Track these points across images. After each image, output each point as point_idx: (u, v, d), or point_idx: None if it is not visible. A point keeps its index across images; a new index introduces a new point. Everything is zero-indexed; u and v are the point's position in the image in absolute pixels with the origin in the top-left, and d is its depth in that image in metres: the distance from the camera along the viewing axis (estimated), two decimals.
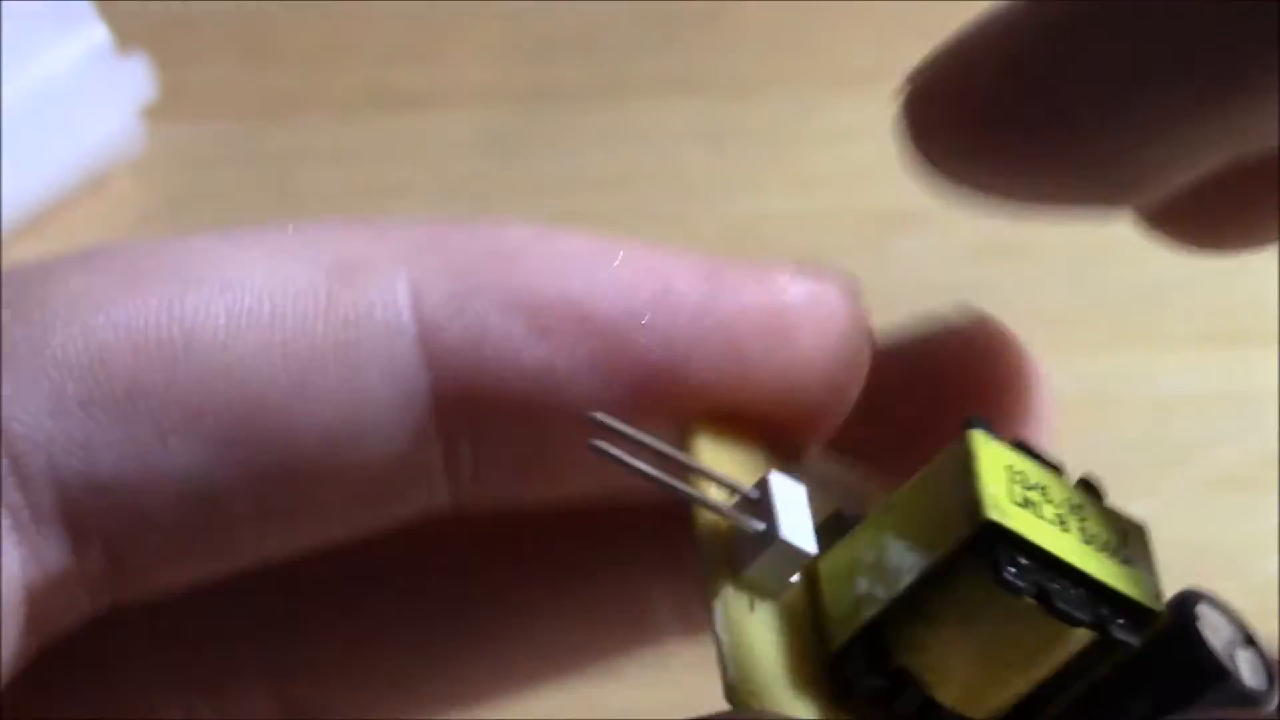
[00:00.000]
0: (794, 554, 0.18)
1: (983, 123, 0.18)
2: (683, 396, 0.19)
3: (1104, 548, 0.17)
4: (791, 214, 0.43)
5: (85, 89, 0.42)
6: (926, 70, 0.19)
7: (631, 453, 0.18)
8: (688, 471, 0.18)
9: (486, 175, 0.43)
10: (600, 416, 0.18)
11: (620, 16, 0.46)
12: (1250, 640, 0.18)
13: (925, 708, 0.18)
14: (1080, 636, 0.17)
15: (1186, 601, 0.17)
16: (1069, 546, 0.17)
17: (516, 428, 0.18)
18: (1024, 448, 0.18)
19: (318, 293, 0.18)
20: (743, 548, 0.18)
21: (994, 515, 0.17)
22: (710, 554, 0.18)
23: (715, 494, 0.18)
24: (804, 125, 0.44)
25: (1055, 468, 0.18)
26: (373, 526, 0.19)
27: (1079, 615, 0.17)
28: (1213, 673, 0.17)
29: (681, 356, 0.18)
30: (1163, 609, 0.17)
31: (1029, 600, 0.17)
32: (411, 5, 0.46)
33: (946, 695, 0.18)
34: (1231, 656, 0.17)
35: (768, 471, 0.18)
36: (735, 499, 0.18)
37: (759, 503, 0.18)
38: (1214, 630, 0.17)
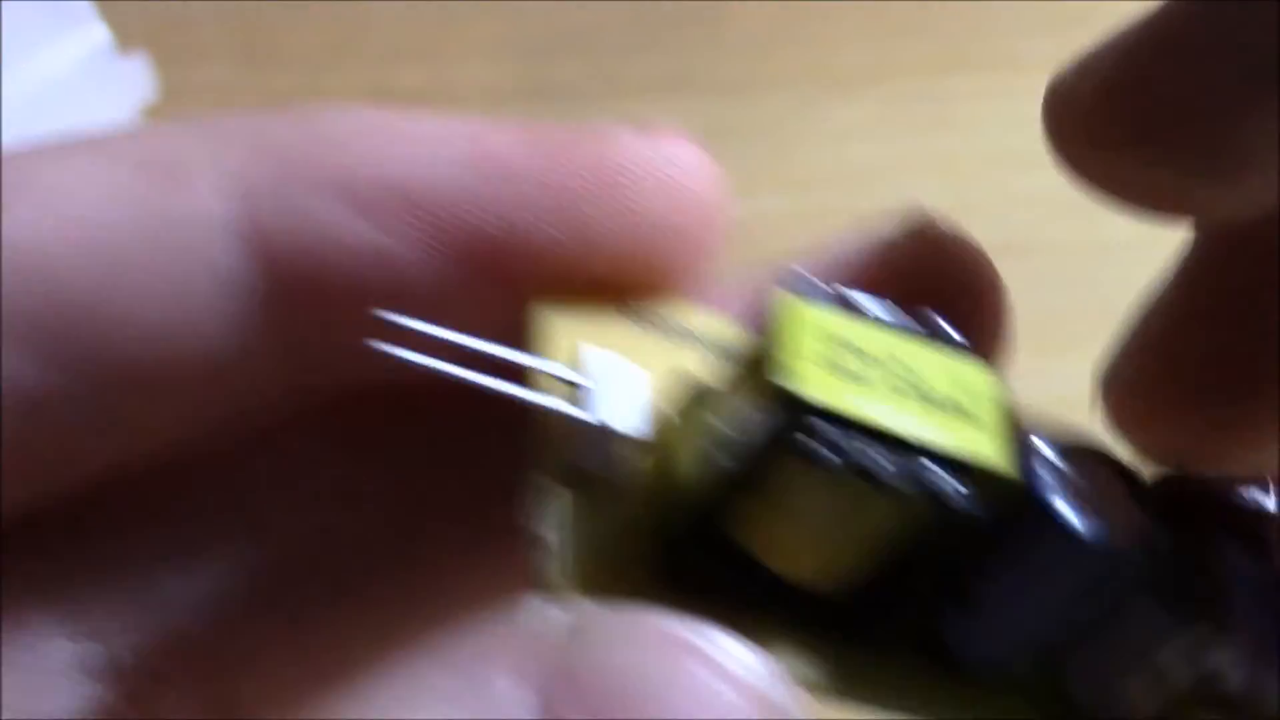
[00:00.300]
0: (608, 434, 0.17)
1: (1123, 138, 0.18)
2: (521, 268, 0.18)
3: (937, 405, 0.16)
4: (789, 213, 0.43)
5: (85, 89, 0.42)
6: (1069, 78, 0.18)
7: (429, 347, 0.17)
8: (497, 359, 0.18)
9: None
10: (388, 315, 0.17)
11: (620, 16, 0.46)
12: (1131, 480, 0.17)
13: (769, 585, 0.17)
14: (917, 506, 0.16)
15: (1026, 451, 0.16)
16: (884, 408, 0.16)
17: (351, 314, 0.18)
18: (851, 306, 0.17)
19: (136, 196, 0.17)
20: (566, 434, 0.17)
21: (793, 385, 0.16)
22: (537, 443, 0.17)
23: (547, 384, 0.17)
24: (802, 125, 0.44)
25: (929, 329, 0.17)
26: (223, 429, 0.19)
27: (897, 483, 0.16)
28: (1065, 538, 0.16)
29: (514, 226, 0.18)
30: (1010, 473, 0.16)
31: (844, 470, 0.16)
32: (412, 5, 0.46)
33: (790, 571, 0.17)
34: (1097, 511, 0.16)
35: (583, 349, 0.18)
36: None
37: (578, 383, 0.17)
38: (1069, 488, 0.16)
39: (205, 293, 0.18)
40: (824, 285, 0.17)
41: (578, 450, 0.17)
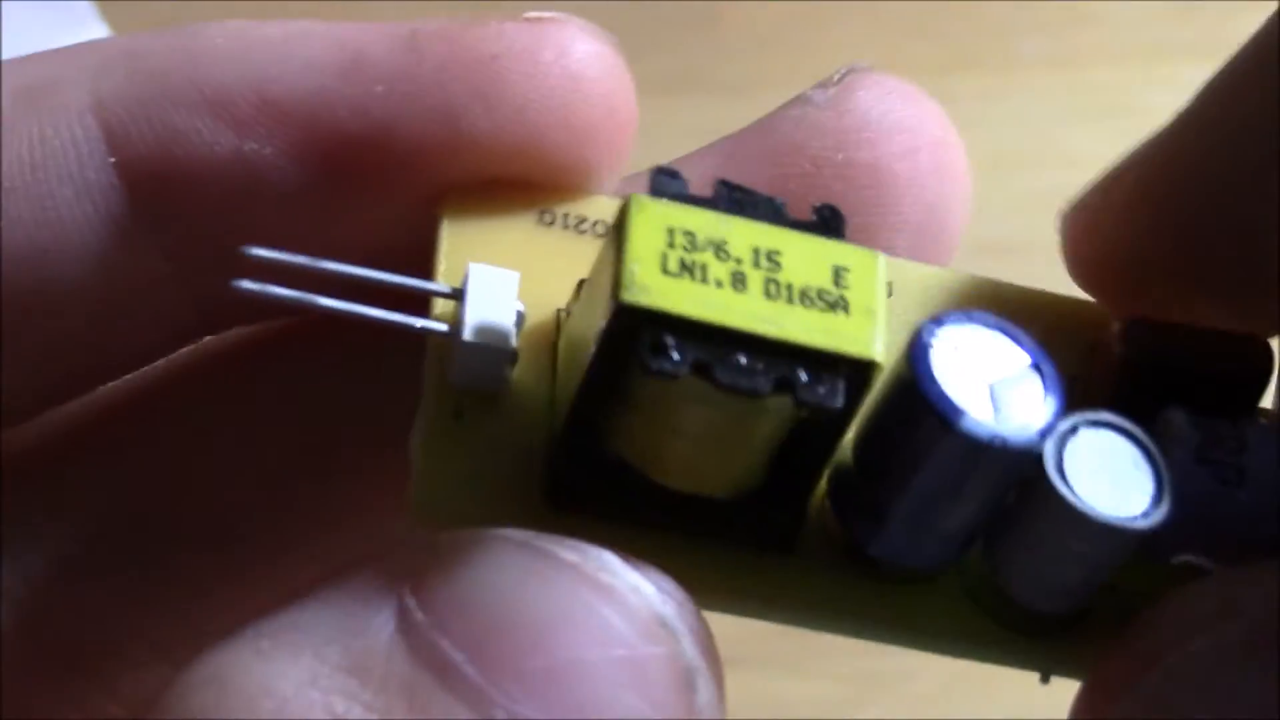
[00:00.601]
0: (483, 350, 0.16)
1: (1138, 271, 0.17)
2: (396, 168, 0.17)
3: (801, 298, 0.16)
4: None
5: None
6: (1082, 207, 0.18)
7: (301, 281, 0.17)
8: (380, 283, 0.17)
9: None
10: (255, 250, 0.16)
11: (620, 16, 0.46)
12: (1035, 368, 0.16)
13: (649, 494, 0.16)
14: (782, 404, 0.15)
15: (919, 337, 0.16)
16: (739, 309, 0.15)
17: (225, 226, 0.17)
18: (719, 192, 0.16)
19: (7, 121, 0.17)
20: (446, 354, 0.17)
21: (626, 297, 0.15)
22: (428, 367, 0.17)
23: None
24: None
25: (769, 202, 0.16)
26: (120, 354, 0.18)
27: (747, 384, 0.15)
28: (944, 420, 0.15)
29: (384, 126, 0.17)
30: (873, 355, 0.15)
31: (684, 378, 0.15)
32: (411, 5, 0.46)
33: (670, 479, 0.16)
34: (976, 392, 0.16)
35: (470, 265, 0.17)
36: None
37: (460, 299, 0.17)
38: (953, 362, 0.16)
39: (77, 213, 0.17)
40: (683, 183, 0.16)
41: (457, 369, 0.17)
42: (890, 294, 0.17)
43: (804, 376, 0.15)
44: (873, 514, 0.16)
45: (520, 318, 0.17)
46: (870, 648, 0.37)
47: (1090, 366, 0.18)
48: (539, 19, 0.18)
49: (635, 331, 0.15)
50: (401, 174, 0.17)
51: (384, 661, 0.15)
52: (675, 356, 0.15)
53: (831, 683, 0.36)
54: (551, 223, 0.18)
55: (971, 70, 0.45)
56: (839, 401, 0.15)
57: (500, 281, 0.17)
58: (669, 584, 0.16)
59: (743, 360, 0.15)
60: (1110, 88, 0.43)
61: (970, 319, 0.16)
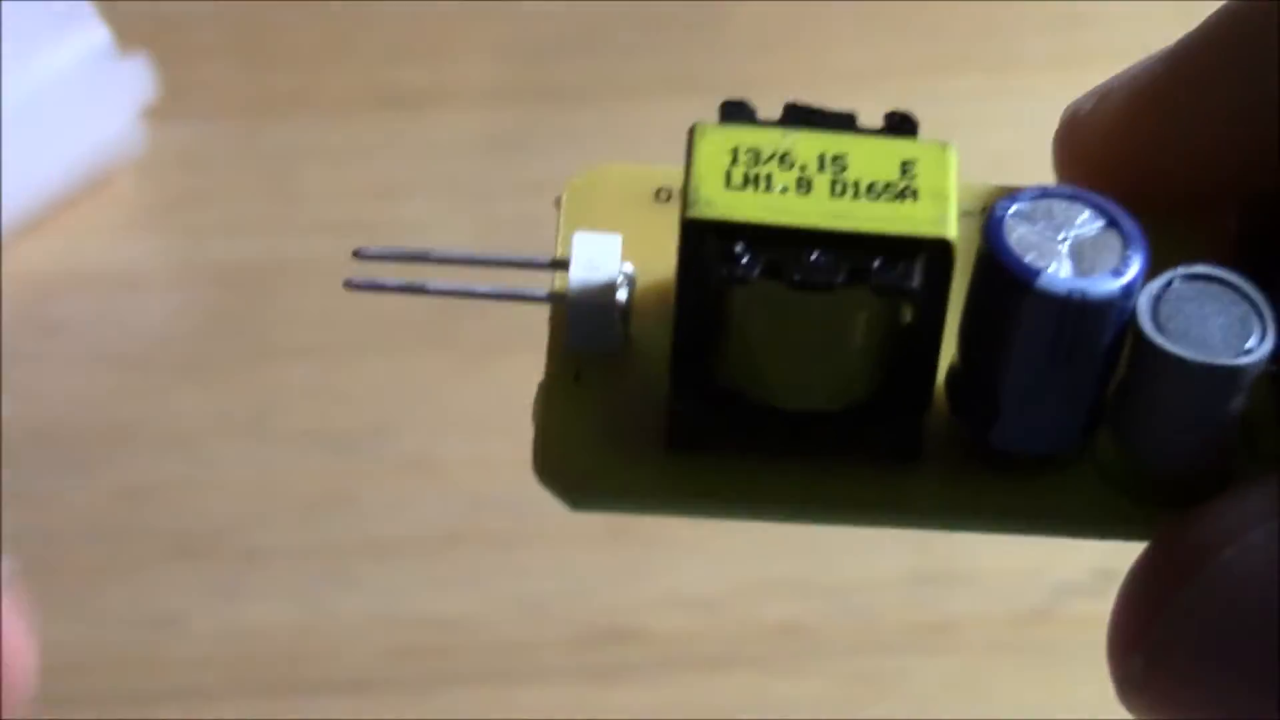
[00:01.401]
0: (590, 310, 0.17)
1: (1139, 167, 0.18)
2: None
3: (869, 192, 0.16)
4: None
5: (85, 89, 0.42)
6: (1084, 105, 0.19)
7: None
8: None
9: (486, 175, 0.43)
10: (365, 250, 0.17)
11: (620, 16, 0.46)
12: (1112, 223, 0.16)
13: (766, 420, 0.17)
14: (863, 297, 0.16)
15: (993, 211, 0.16)
16: (805, 209, 0.16)
17: None
18: (788, 114, 0.17)
19: None
20: (561, 320, 0.17)
21: (692, 213, 0.16)
22: (549, 336, 0.17)
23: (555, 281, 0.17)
24: None
25: (838, 117, 0.17)
26: None
27: (821, 278, 0.15)
28: (1021, 282, 0.16)
29: None
30: (945, 233, 0.16)
31: (771, 281, 0.16)
32: (411, 5, 0.46)
33: (779, 399, 0.17)
34: (1056, 255, 0.16)
35: (575, 235, 0.17)
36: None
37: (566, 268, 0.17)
38: (1031, 233, 0.16)
39: None
40: (752, 110, 0.17)
41: (570, 332, 0.17)
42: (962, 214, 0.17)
43: (877, 264, 0.16)
44: (986, 403, 0.17)
45: (629, 279, 0.17)
46: (870, 647, 0.37)
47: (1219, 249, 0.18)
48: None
49: (706, 245, 0.16)
50: None
51: None
52: (745, 261, 0.15)
53: (831, 683, 0.36)
54: (669, 199, 0.18)
55: (971, 70, 0.45)
56: (915, 283, 0.16)
57: (604, 245, 0.17)
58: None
59: (814, 257, 0.16)
60: None
61: (1045, 192, 0.16)
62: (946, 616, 0.37)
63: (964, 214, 0.18)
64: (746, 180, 0.16)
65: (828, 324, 0.16)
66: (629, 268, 0.17)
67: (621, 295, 0.17)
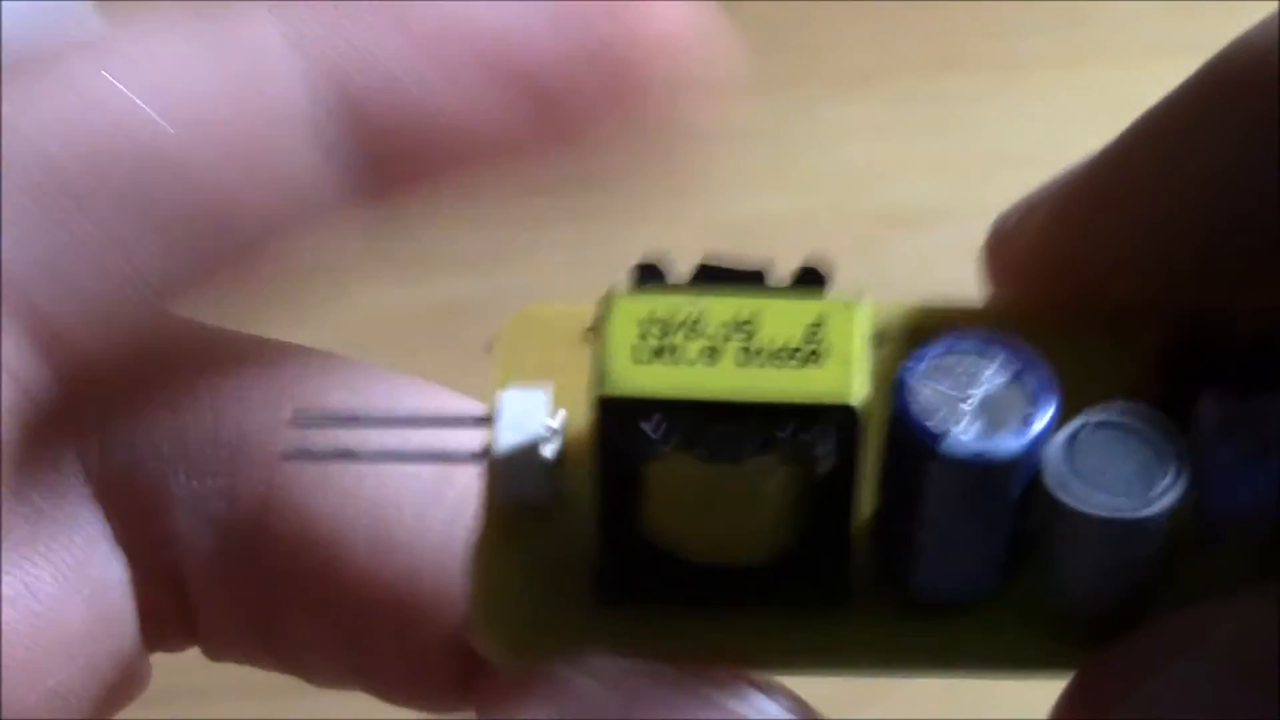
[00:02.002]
0: (517, 467, 0.17)
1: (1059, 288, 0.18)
2: (575, 124, 0.18)
3: (777, 357, 0.16)
4: (790, 214, 0.43)
5: None
6: (1010, 219, 0.19)
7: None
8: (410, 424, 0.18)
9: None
10: (299, 414, 0.18)
11: None
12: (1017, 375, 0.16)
13: (692, 574, 0.17)
14: (773, 464, 0.16)
15: (898, 374, 0.16)
16: (712, 381, 0.16)
17: (430, 169, 0.18)
18: (700, 275, 0.17)
19: (230, 91, 0.17)
20: (491, 477, 0.18)
21: (602, 390, 0.16)
22: (482, 492, 0.18)
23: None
24: (802, 125, 0.44)
25: (749, 275, 0.17)
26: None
27: (730, 451, 0.16)
28: (925, 447, 0.16)
29: (580, 92, 0.18)
30: (849, 399, 0.16)
31: (683, 453, 0.16)
32: None
33: (704, 556, 0.17)
34: (961, 414, 0.16)
35: (500, 393, 0.18)
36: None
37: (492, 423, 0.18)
38: (937, 393, 0.16)
39: (306, 173, 0.18)
40: (663, 274, 0.17)
41: (500, 489, 0.17)
42: (883, 343, 0.17)
43: (783, 434, 0.16)
44: (904, 552, 0.17)
45: (557, 432, 0.18)
46: None
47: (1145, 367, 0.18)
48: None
49: (618, 420, 0.16)
50: (573, 125, 0.18)
51: None
52: (656, 438, 0.16)
53: (831, 683, 0.36)
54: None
55: (971, 70, 0.45)
56: (822, 450, 0.16)
57: (530, 402, 0.18)
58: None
59: (722, 430, 0.16)
60: (1110, 88, 0.43)
61: (950, 347, 0.16)
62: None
63: (888, 340, 0.18)
64: (655, 354, 0.16)
65: (741, 490, 0.16)
66: (558, 420, 0.18)
67: (549, 451, 0.17)
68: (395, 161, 0.18)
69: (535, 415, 0.17)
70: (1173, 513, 0.16)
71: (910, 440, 0.16)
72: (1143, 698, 0.16)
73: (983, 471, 0.16)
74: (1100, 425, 0.16)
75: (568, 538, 0.17)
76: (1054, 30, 0.46)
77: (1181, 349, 0.17)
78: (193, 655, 0.36)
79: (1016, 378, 0.16)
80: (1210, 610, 0.16)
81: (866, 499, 0.17)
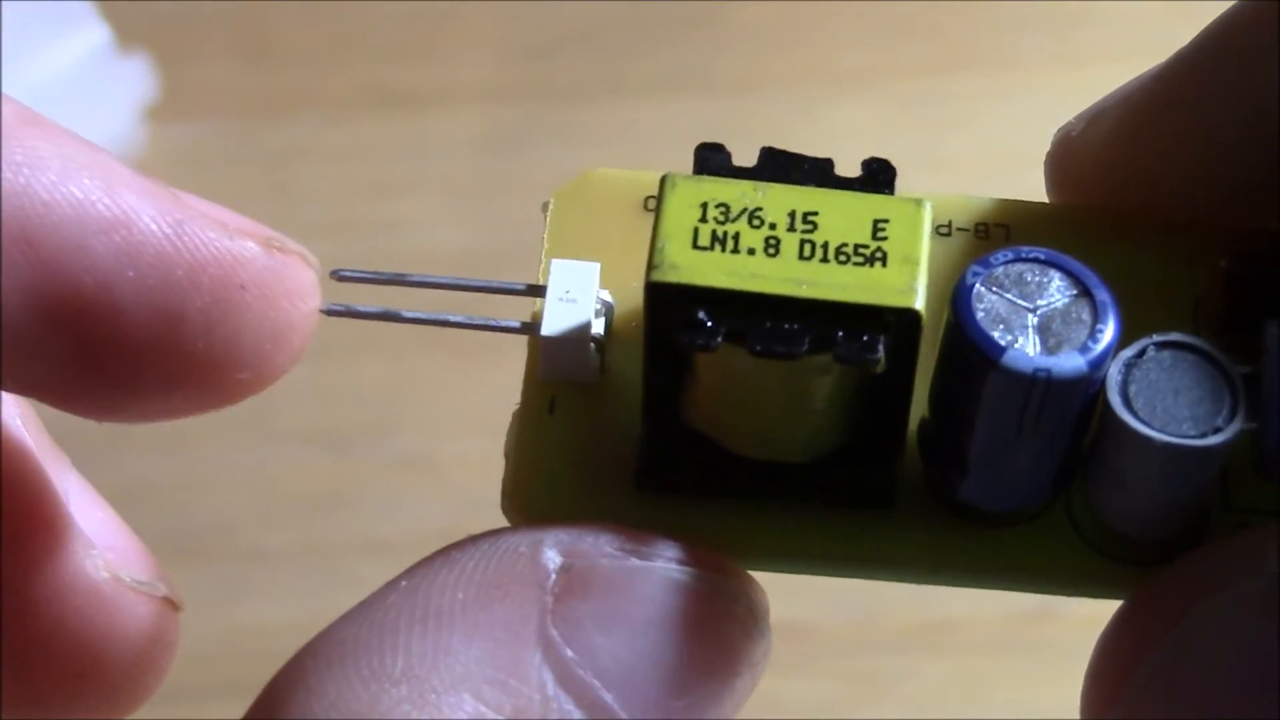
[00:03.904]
0: (563, 342, 0.17)
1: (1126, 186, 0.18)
2: (108, 336, 0.17)
3: (838, 255, 0.16)
4: None
5: (85, 89, 0.42)
6: (1075, 127, 0.18)
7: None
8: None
9: (486, 174, 0.43)
10: (342, 272, 0.18)
11: (620, 16, 0.46)
12: (1084, 294, 0.16)
13: (736, 466, 0.16)
14: (827, 364, 0.16)
15: (962, 280, 0.16)
16: (771, 274, 0.15)
17: None
18: (764, 160, 0.16)
19: None
20: (536, 351, 0.17)
21: (656, 276, 0.15)
22: (526, 365, 0.17)
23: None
24: (802, 125, 0.44)
25: (815, 163, 0.16)
26: None
27: (784, 348, 0.15)
28: (987, 358, 0.15)
29: (117, 306, 0.17)
30: (911, 304, 0.15)
31: (735, 347, 0.15)
32: (410, 5, 0.46)
33: (748, 450, 0.16)
34: (1024, 328, 0.16)
35: (554, 263, 0.17)
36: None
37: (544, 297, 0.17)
38: (1000, 303, 0.16)
39: None
40: (727, 155, 0.16)
41: (544, 364, 0.17)
42: (950, 234, 0.17)
43: (841, 333, 0.15)
44: (954, 460, 0.16)
45: (608, 307, 0.17)
46: (870, 647, 0.37)
47: (1210, 286, 0.17)
48: (284, 253, 0.18)
49: (670, 308, 0.15)
50: (107, 338, 0.17)
51: (540, 705, 0.15)
52: (708, 327, 0.15)
53: (831, 683, 0.36)
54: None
55: (971, 70, 0.45)
56: (879, 354, 0.15)
57: (582, 274, 0.17)
58: (754, 580, 0.16)
59: (777, 324, 0.15)
60: (1110, 88, 0.43)
61: (1019, 255, 0.16)
62: (946, 616, 0.37)
63: (939, 234, 0.17)
64: (714, 240, 0.16)
65: (793, 388, 0.16)
66: (607, 296, 0.17)
67: (598, 327, 0.17)
68: None
69: (586, 291, 0.17)
70: (1233, 441, 0.16)
71: (972, 350, 0.16)
72: (1194, 622, 0.15)
73: (1044, 388, 0.15)
74: (1164, 345, 0.16)
75: (611, 417, 0.17)
76: (1054, 30, 0.46)
77: (1246, 270, 0.17)
78: (193, 655, 0.36)
79: (1082, 293, 0.16)
80: (1262, 536, 0.16)
81: (917, 402, 0.17)
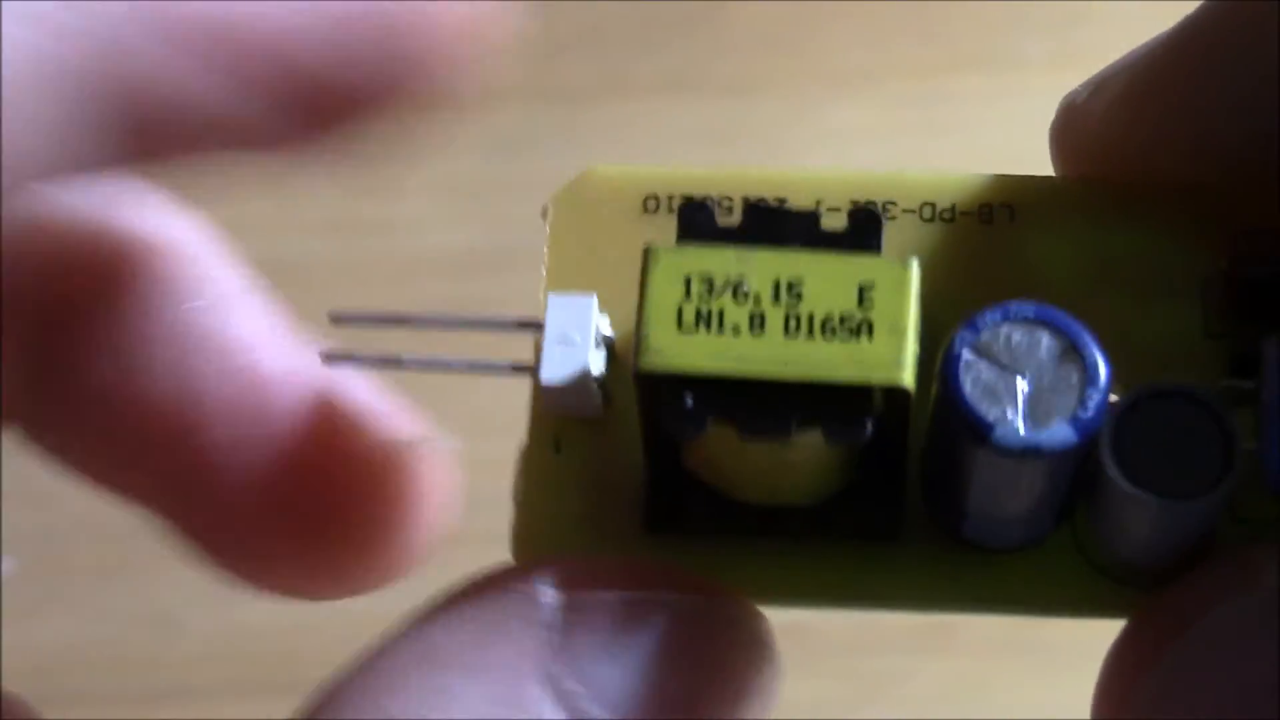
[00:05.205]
0: (564, 386, 0.17)
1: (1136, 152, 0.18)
2: (346, 114, 0.18)
3: (823, 329, 0.15)
4: None
5: None
6: (1081, 94, 0.18)
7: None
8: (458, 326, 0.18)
9: (486, 175, 0.43)
10: (337, 312, 0.18)
11: (620, 16, 0.46)
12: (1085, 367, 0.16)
13: (741, 510, 0.17)
14: (817, 440, 0.16)
15: (950, 348, 0.16)
16: (757, 354, 0.15)
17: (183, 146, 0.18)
18: (749, 216, 0.16)
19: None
20: (538, 391, 0.17)
21: (643, 364, 0.15)
22: (530, 401, 0.17)
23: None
24: (802, 125, 0.44)
25: (800, 218, 0.16)
26: None
27: (771, 429, 0.15)
28: (976, 434, 0.15)
29: (351, 83, 0.18)
30: (900, 380, 0.15)
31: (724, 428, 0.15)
32: None
33: (752, 499, 0.17)
34: (1012, 401, 0.15)
35: (551, 297, 0.17)
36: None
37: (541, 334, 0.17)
38: (988, 373, 0.16)
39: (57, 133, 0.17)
40: (710, 213, 0.16)
41: (546, 401, 0.17)
42: (953, 218, 0.17)
43: (828, 411, 0.15)
44: (953, 506, 0.17)
45: (607, 341, 0.17)
46: (870, 647, 0.37)
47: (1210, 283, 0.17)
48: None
49: (659, 395, 0.16)
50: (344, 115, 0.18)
51: None
52: (695, 416, 0.15)
53: (831, 683, 0.36)
54: (657, 209, 0.18)
55: (971, 70, 0.45)
56: (866, 433, 0.15)
57: (578, 310, 0.17)
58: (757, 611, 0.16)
59: (764, 405, 0.15)
60: None
61: (1006, 315, 0.16)
62: (946, 617, 0.37)
63: (942, 220, 0.17)
64: (698, 319, 0.16)
65: (786, 459, 0.16)
66: (607, 327, 0.17)
67: (598, 365, 0.17)
68: (149, 135, 0.17)
69: (584, 327, 0.17)
70: (1231, 491, 0.16)
71: (962, 425, 0.16)
72: (1195, 636, 0.15)
73: (1034, 463, 0.16)
74: (1157, 396, 0.16)
75: (618, 451, 0.17)
76: (1054, 30, 0.46)
77: (1249, 271, 0.17)
78: (192, 655, 0.36)
79: (1070, 352, 0.16)
80: (1264, 553, 0.16)
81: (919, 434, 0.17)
